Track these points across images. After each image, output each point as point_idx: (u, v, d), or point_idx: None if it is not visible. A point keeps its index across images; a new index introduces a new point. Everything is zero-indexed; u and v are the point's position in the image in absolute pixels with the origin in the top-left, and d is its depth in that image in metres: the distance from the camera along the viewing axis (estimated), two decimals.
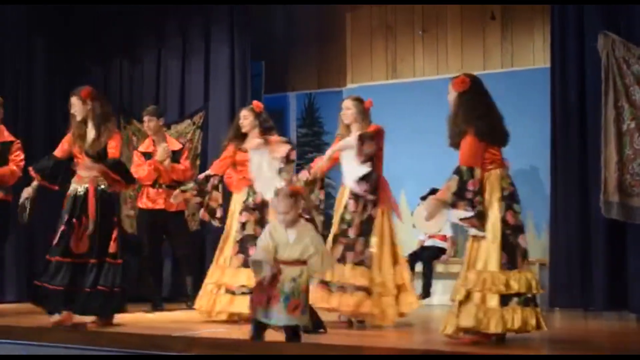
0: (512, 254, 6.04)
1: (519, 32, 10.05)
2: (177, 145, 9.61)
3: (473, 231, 6.18)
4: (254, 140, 7.99)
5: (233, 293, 7.79)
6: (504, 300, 5.96)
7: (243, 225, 8.00)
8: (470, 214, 6.07)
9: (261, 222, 7.86)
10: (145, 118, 9.47)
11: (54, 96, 10.83)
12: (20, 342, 6.55)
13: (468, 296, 6.07)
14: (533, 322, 5.96)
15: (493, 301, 5.97)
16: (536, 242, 9.36)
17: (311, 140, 11.01)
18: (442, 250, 9.76)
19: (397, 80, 10.62)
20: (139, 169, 9.32)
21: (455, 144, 6.32)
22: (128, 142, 10.88)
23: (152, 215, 9.38)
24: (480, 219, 6.08)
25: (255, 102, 8.44)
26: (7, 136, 8.54)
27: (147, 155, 9.39)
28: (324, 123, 10.96)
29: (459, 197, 6.06)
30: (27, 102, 10.40)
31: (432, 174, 9.52)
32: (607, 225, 8.20)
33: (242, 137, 8.24)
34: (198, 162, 10.44)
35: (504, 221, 6.06)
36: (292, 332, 5.77)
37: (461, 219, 6.18)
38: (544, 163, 9.04)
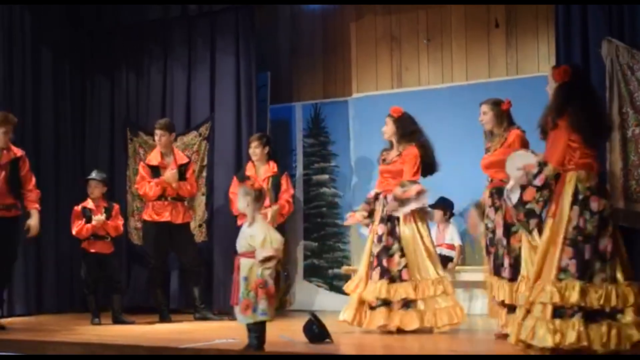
0: (585, 263, 5.75)
1: (524, 39, 10.04)
2: (184, 159, 9.63)
3: (515, 227, 6.04)
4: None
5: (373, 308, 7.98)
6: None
7: (380, 238, 8.14)
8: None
9: (392, 233, 8.03)
10: (158, 132, 9.49)
11: (61, 108, 10.87)
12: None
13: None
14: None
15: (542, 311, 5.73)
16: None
17: (317, 151, 11.02)
18: (449, 259, 9.73)
19: (403, 89, 10.62)
20: (146, 185, 9.35)
21: (544, 136, 6.11)
22: (135, 154, 10.91)
23: (158, 227, 9.40)
24: (528, 217, 5.93)
25: (393, 107, 8.42)
26: (17, 151, 8.58)
27: (154, 169, 9.41)
28: (330, 133, 10.97)
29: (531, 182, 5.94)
30: (34, 114, 10.42)
31: (439, 182, 9.52)
32: None
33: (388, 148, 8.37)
34: (204, 174, 10.45)
35: (578, 227, 5.80)
36: (249, 330, 6.17)
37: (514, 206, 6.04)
38: None
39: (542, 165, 5.91)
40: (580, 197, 5.82)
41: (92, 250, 9.12)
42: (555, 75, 6.18)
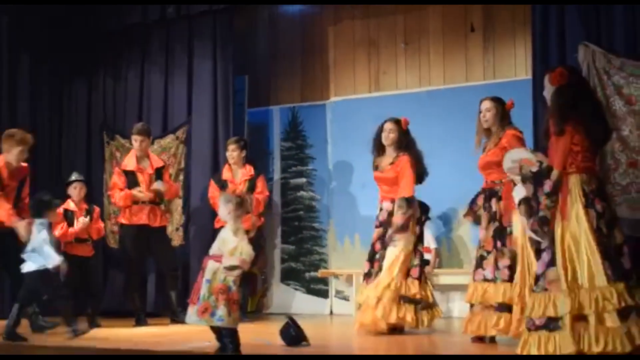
0: (614, 264, 5.61)
1: (501, 43, 10.07)
2: (159, 163, 9.60)
3: (529, 233, 5.91)
4: None
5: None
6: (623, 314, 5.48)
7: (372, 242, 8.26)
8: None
9: (381, 239, 8.12)
10: (138, 137, 9.43)
11: (38, 111, 10.83)
12: None
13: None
14: None
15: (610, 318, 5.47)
16: None
17: (295, 154, 11.02)
18: (425, 262, 9.72)
19: (380, 93, 10.63)
20: (116, 194, 9.34)
21: (547, 141, 5.96)
22: (111, 157, 10.89)
23: (136, 230, 9.36)
24: (542, 224, 5.73)
25: (405, 119, 8.42)
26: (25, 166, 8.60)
27: (129, 174, 9.36)
28: (308, 136, 10.96)
29: (533, 182, 5.80)
30: (11, 117, 10.37)
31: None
32: None
33: (379, 152, 8.42)
34: (181, 177, 10.43)
35: (599, 230, 5.65)
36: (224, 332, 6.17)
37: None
38: None
39: (546, 169, 5.84)
40: (589, 200, 5.70)
41: (74, 254, 9.07)
42: (551, 79, 6.03)
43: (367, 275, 8.10)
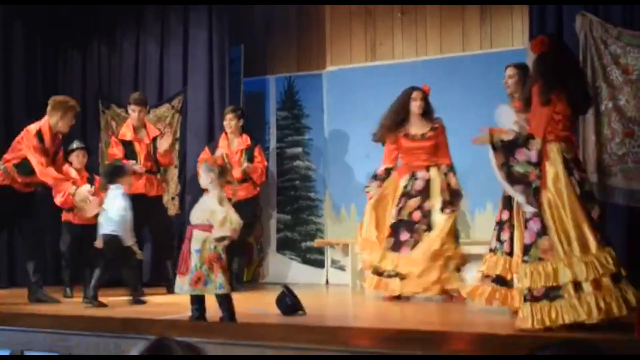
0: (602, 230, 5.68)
1: (498, 13, 10.01)
2: (155, 132, 9.58)
3: (524, 204, 5.81)
4: None
5: (380, 274, 8.13)
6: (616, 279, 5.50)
7: (399, 211, 8.23)
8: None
9: (421, 208, 8.17)
10: (136, 107, 9.40)
11: (33, 81, 10.78)
12: None
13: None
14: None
15: (605, 283, 5.47)
16: None
17: (291, 124, 10.99)
18: None
19: (377, 62, 10.59)
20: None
21: (528, 109, 5.98)
22: (107, 127, 10.87)
23: (132, 200, 9.33)
24: (535, 193, 5.70)
25: (425, 86, 8.51)
26: None
27: (127, 144, 9.34)
28: (304, 106, 10.92)
29: (507, 150, 5.79)
30: (5, 86, 10.34)
31: None
32: None
33: (403, 121, 8.41)
34: (177, 147, 10.41)
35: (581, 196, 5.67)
36: (220, 300, 6.21)
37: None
38: None
39: (525, 137, 5.82)
40: (568, 168, 5.73)
41: (77, 222, 9.08)
42: (532, 47, 6.06)
43: (403, 245, 8.11)
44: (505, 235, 6.77)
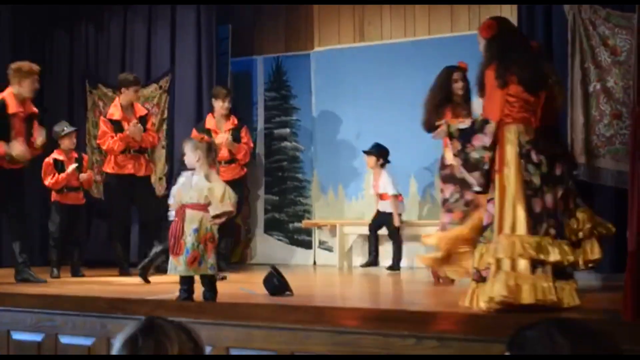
0: (536, 217, 5.60)
1: None
2: (143, 111, 9.56)
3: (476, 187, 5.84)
4: None
5: None
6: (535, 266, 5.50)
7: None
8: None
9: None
10: (136, 88, 9.40)
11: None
12: None
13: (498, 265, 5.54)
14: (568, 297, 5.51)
15: (522, 266, 5.47)
16: None
17: (279, 104, 10.96)
18: (388, 217, 9.52)
19: (365, 43, 10.55)
20: (109, 140, 9.27)
21: (482, 93, 5.94)
22: (94, 107, 10.83)
23: (121, 180, 9.34)
24: (487, 178, 5.73)
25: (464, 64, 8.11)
26: None
27: (115, 123, 9.31)
28: (292, 86, 10.89)
29: (462, 138, 5.79)
30: None
31: (399, 135, 9.54)
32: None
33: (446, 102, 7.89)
34: (165, 127, 10.38)
35: (526, 181, 5.62)
36: (207, 281, 6.21)
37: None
38: None
39: (481, 122, 5.80)
40: (524, 150, 5.67)
41: (66, 202, 9.07)
42: (481, 32, 6.02)
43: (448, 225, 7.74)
44: None
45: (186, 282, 6.26)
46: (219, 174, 6.73)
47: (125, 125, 9.28)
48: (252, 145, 9.90)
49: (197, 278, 6.28)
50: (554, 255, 5.49)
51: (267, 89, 11.06)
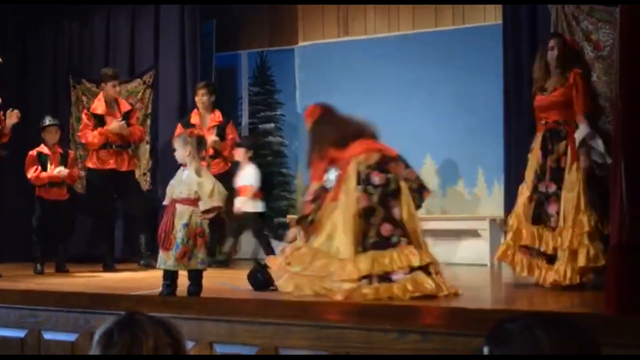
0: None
1: None
2: (127, 107, 9.55)
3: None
4: None
5: None
6: None
7: None
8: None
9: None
10: (115, 83, 9.39)
11: (3, 57, 10.66)
12: None
13: None
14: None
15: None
16: (487, 199, 9.43)
17: (263, 99, 10.94)
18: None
19: (349, 37, 10.54)
20: (88, 134, 9.25)
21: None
22: (78, 102, 10.80)
23: (103, 175, 9.32)
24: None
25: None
26: None
27: (98, 118, 9.29)
28: (276, 81, 10.87)
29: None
30: None
31: (385, 130, 9.51)
32: None
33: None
34: (149, 122, 10.36)
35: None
36: (194, 275, 6.25)
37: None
38: (495, 119, 8.98)
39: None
40: (362, 177, 6.33)
41: (49, 197, 9.04)
42: (306, 116, 7.07)
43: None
44: (552, 209, 6.79)
45: (169, 277, 6.24)
46: (209, 169, 6.75)
47: (108, 120, 9.26)
48: (237, 140, 9.88)
49: (182, 272, 6.27)
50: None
51: (252, 83, 11.03)
